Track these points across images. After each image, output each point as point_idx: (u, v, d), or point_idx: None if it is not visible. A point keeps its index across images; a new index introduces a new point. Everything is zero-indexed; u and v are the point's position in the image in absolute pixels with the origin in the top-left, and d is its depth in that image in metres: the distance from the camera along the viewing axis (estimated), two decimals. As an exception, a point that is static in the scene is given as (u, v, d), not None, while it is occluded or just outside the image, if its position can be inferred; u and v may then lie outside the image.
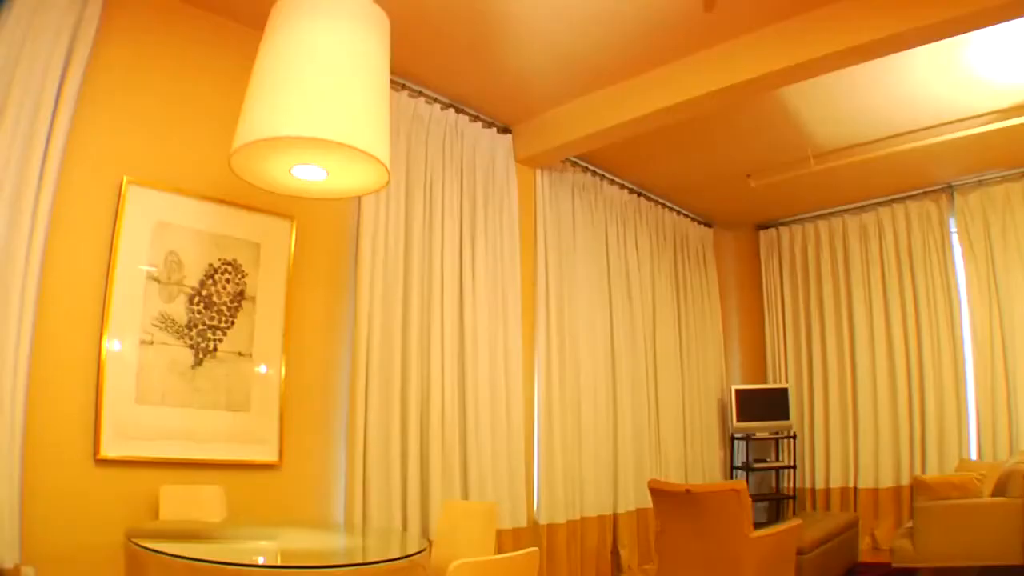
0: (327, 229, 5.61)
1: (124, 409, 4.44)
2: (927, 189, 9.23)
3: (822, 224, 10.10)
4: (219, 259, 4.91)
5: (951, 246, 9.08)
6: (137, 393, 4.49)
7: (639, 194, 8.88)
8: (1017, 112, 7.04)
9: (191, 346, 4.73)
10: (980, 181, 8.83)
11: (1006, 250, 8.65)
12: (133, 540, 3.13)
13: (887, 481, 9.23)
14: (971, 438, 8.81)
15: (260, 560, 3.17)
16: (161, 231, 4.66)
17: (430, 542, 4.98)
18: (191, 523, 4.20)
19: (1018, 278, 8.57)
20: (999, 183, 8.72)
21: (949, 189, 9.08)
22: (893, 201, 9.51)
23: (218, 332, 4.85)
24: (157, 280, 4.62)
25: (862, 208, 9.77)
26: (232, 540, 3.89)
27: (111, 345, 4.42)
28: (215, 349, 4.84)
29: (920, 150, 7.74)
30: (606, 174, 8.33)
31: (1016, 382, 8.49)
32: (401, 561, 3.28)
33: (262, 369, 5.08)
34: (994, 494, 6.07)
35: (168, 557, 2.97)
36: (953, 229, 9.08)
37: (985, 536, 5.95)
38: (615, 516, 7.82)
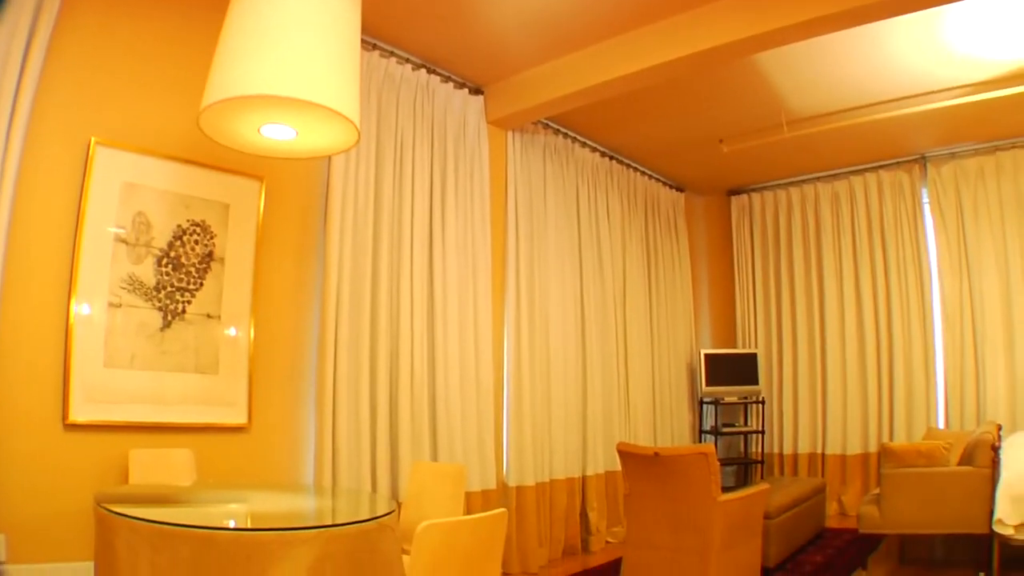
0: (296, 190, 5.56)
1: (92, 373, 4.40)
2: (900, 159, 9.28)
3: (794, 191, 10.14)
4: (188, 220, 4.86)
5: (923, 216, 9.17)
6: (106, 356, 4.46)
7: (611, 157, 8.86)
8: (992, 86, 7.06)
9: (159, 308, 4.68)
10: (953, 153, 8.89)
11: (977, 223, 8.73)
12: (102, 505, 3.11)
13: (855, 448, 9.34)
14: (939, 407, 8.94)
15: (231, 524, 3.14)
16: (129, 192, 4.60)
17: (399, 504, 4.99)
18: (160, 487, 4.18)
19: (988, 251, 8.65)
20: (972, 156, 8.79)
21: (922, 160, 9.12)
22: (866, 170, 9.56)
23: (186, 294, 4.81)
24: (125, 242, 4.56)
25: (834, 176, 9.81)
26: (201, 503, 3.87)
27: (79, 308, 4.38)
28: (183, 311, 4.79)
29: (894, 120, 7.77)
30: (578, 137, 8.29)
31: (985, 353, 8.59)
32: (370, 523, 3.27)
33: (231, 331, 5.04)
34: (961, 463, 6.12)
35: (137, 521, 2.95)
36: (925, 200, 9.16)
37: (951, 504, 6.01)
38: (584, 479, 7.87)
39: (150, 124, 4.77)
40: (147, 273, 4.64)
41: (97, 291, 4.45)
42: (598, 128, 8.23)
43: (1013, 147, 8.56)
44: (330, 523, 3.20)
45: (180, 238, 4.80)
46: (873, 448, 9.25)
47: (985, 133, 8.43)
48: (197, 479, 4.53)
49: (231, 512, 3.79)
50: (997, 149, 8.65)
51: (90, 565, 3.37)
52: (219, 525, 3.09)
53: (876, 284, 9.43)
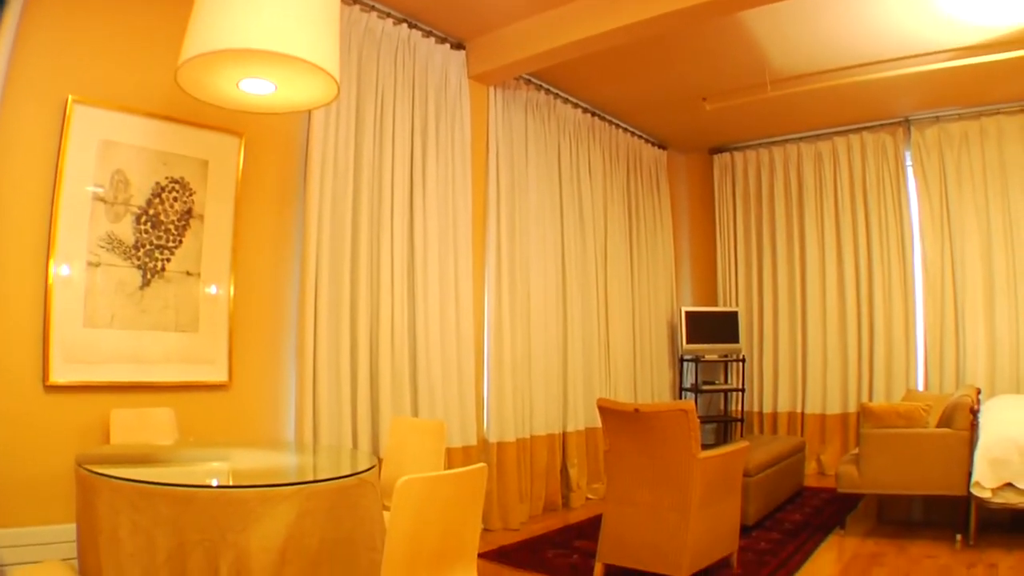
0: (276, 146, 5.52)
1: (72, 333, 4.38)
2: (884, 122, 9.29)
3: (777, 150, 10.13)
4: (166, 177, 4.81)
5: (905, 179, 9.20)
6: (85, 316, 4.44)
7: (593, 114, 8.82)
8: (979, 51, 7.05)
9: (139, 267, 4.65)
10: (938, 117, 8.90)
11: (960, 187, 8.78)
12: (83, 466, 3.10)
13: (834, 407, 9.43)
14: (918, 369, 9.04)
15: (212, 482, 3.14)
16: (107, 150, 4.55)
17: (380, 459, 5.00)
18: (141, 447, 4.17)
19: (970, 215, 8.71)
20: (956, 120, 8.82)
21: (906, 123, 9.14)
22: (849, 131, 9.57)
23: (166, 252, 4.78)
24: (103, 200, 4.52)
25: (818, 136, 9.81)
26: (183, 462, 3.87)
27: (58, 269, 4.35)
28: (163, 269, 4.77)
29: (880, 82, 7.76)
30: (560, 92, 8.23)
31: (965, 316, 8.66)
32: (350, 478, 3.29)
33: (211, 289, 5.02)
34: (939, 425, 6.17)
35: (117, 481, 2.95)
36: (908, 163, 9.18)
37: (929, 466, 6.07)
38: (564, 435, 7.92)
39: (128, 81, 4.71)
40: (126, 231, 4.61)
41: (76, 251, 4.41)
42: (581, 84, 8.17)
43: (998, 113, 8.57)
44: (310, 479, 3.20)
45: (159, 195, 4.76)
46: (852, 408, 9.33)
47: (970, 98, 8.44)
48: (178, 438, 4.53)
49: (212, 470, 3.79)
50: (982, 115, 8.66)
51: (73, 527, 3.37)
52: (199, 483, 3.08)
53: (858, 245, 9.47)
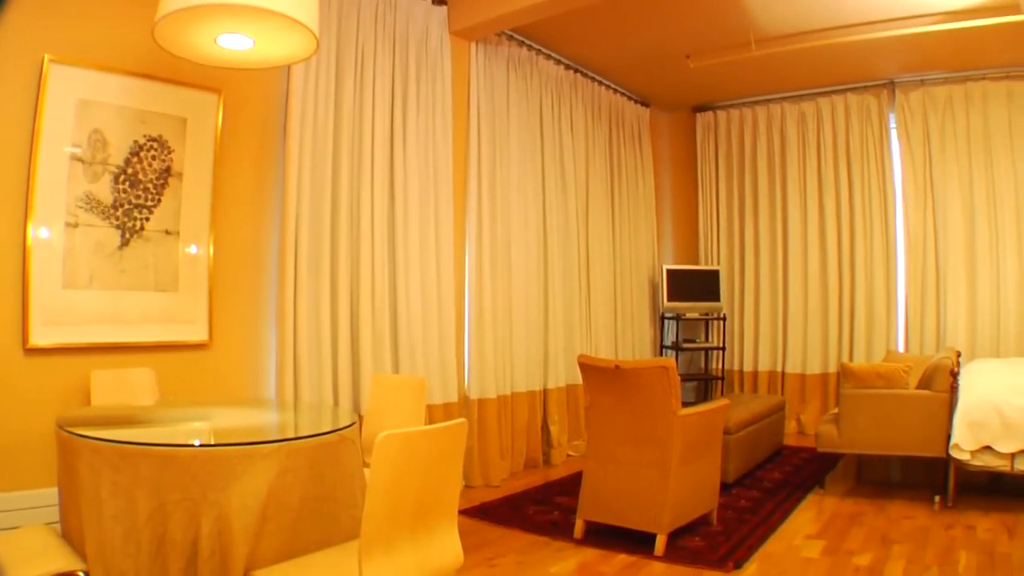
0: (255, 102, 5.46)
1: (51, 295, 4.35)
2: (869, 83, 9.30)
3: (760, 110, 10.13)
4: (144, 136, 4.76)
5: (889, 141, 9.23)
6: (64, 278, 4.40)
7: (576, 70, 8.76)
8: (966, 15, 7.05)
9: (117, 226, 4.61)
10: (923, 80, 8.91)
11: (944, 151, 8.82)
12: (63, 428, 3.10)
13: (815, 367, 9.50)
14: (899, 331, 9.14)
15: (195, 442, 3.14)
16: (84, 109, 4.49)
17: (361, 416, 5.01)
18: (122, 407, 4.17)
19: (953, 179, 8.75)
20: (942, 84, 8.83)
21: (891, 85, 9.14)
22: (834, 92, 9.57)
23: (144, 211, 4.74)
24: (81, 160, 4.47)
25: (801, 96, 9.80)
26: (164, 422, 3.87)
27: (36, 230, 4.30)
28: (142, 228, 4.73)
29: (865, 44, 7.76)
30: (542, 49, 8.17)
31: (946, 279, 8.73)
32: (331, 435, 3.30)
33: (190, 248, 4.99)
34: (919, 387, 6.22)
35: (97, 442, 2.95)
36: (892, 125, 9.19)
37: (908, 427, 6.13)
38: (545, 392, 7.97)
39: (104, 39, 4.64)
40: (104, 191, 4.56)
41: (54, 212, 4.36)
42: (563, 40, 8.11)
43: (983, 78, 8.59)
44: (291, 437, 3.21)
45: (137, 154, 4.72)
46: (833, 368, 9.40)
47: (956, 62, 8.44)
48: (159, 398, 4.52)
49: (193, 429, 3.79)
50: (967, 79, 8.67)
51: (55, 491, 3.38)
52: (180, 443, 3.09)
53: (840, 206, 9.50)
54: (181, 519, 2.86)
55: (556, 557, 5.03)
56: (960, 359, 6.81)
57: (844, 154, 9.50)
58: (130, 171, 4.67)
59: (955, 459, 5.88)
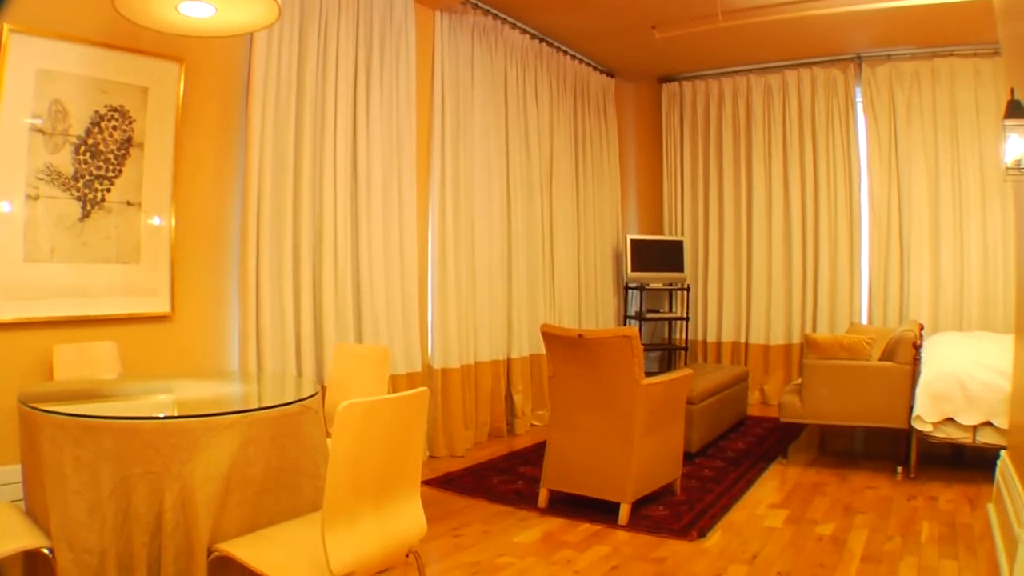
0: (217, 72, 5.40)
1: (12, 269, 4.29)
2: (835, 57, 9.34)
3: (726, 81, 10.14)
4: (105, 106, 4.69)
5: (855, 116, 9.30)
6: (25, 251, 4.33)
7: (541, 40, 8.72)
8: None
9: (78, 198, 4.56)
10: (890, 55, 8.96)
11: (909, 126, 8.89)
12: (25, 403, 3.09)
13: (778, 338, 9.58)
14: (862, 303, 9.25)
15: (158, 414, 3.14)
16: (44, 79, 4.42)
17: (324, 387, 5.01)
18: (85, 382, 4.15)
19: (919, 154, 8.84)
20: (909, 60, 8.89)
21: (858, 59, 9.19)
22: (800, 65, 9.60)
23: (105, 182, 4.68)
24: (42, 131, 4.40)
25: (768, 69, 9.82)
26: (127, 395, 3.86)
27: (-4, 204, 4.26)
28: (103, 200, 4.67)
29: (833, 17, 7.77)
30: (508, 18, 8.13)
31: (910, 253, 8.83)
32: (293, 405, 3.31)
33: (152, 219, 4.95)
34: (882, 359, 6.30)
35: (59, 416, 2.94)
36: (859, 99, 9.23)
37: (871, 398, 6.20)
38: (509, 361, 8.00)
39: (65, 8, 4.54)
40: (65, 162, 4.50)
41: (14, 184, 4.29)
42: (529, 9, 8.06)
43: (951, 55, 8.64)
44: (253, 407, 3.21)
45: (98, 124, 4.66)
46: (796, 339, 9.50)
47: (924, 39, 8.47)
48: (122, 371, 4.50)
49: (156, 402, 3.79)
50: (935, 55, 8.73)
51: (18, 468, 3.35)
52: (142, 415, 3.08)
53: (805, 179, 9.56)
54: (145, 492, 2.87)
55: (520, 527, 5.07)
56: (923, 332, 6.89)
57: (810, 127, 9.55)
58: (91, 142, 4.62)
59: (917, 431, 5.96)
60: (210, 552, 2.88)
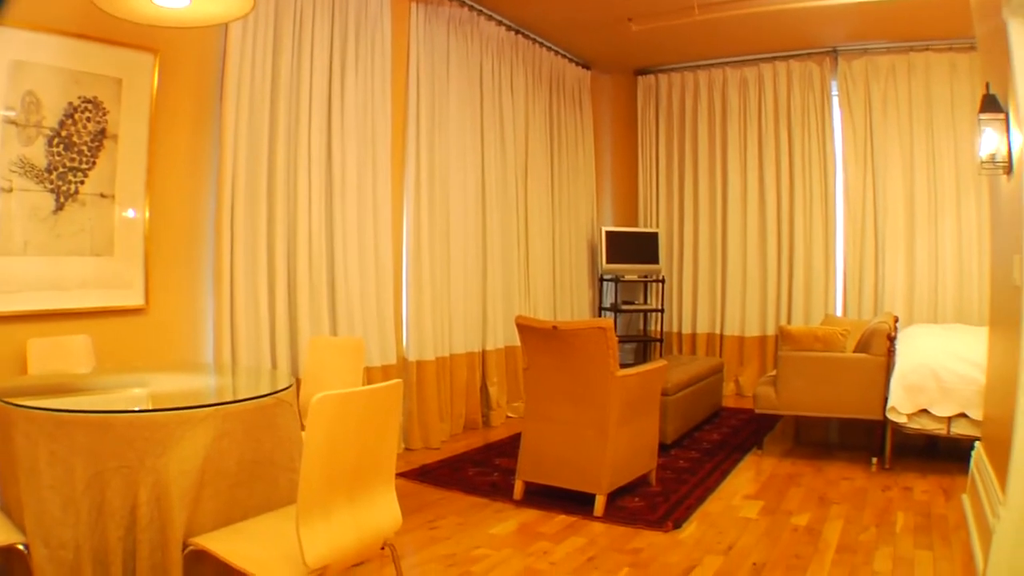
0: (192, 63, 5.36)
1: (-15, 263, 4.27)
2: (812, 51, 9.36)
3: (702, 74, 10.15)
4: (79, 97, 4.66)
5: (831, 109, 9.34)
6: (-2, 244, 4.32)
7: (517, 31, 8.71)
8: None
9: (52, 190, 4.52)
10: (866, 49, 9.00)
11: (885, 119, 8.94)
12: (-2, 398, 3.07)
13: (753, 330, 9.63)
14: (837, 295, 9.30)
15: (132, 409, 3.13)
16: (17, 71, 4.38)
17: (298, 379, 5.00)
18: (59, 375, 4.12)
19: (894, 147, 8.88)
20: (885, 54, 8.93)
21: (834, 53, 9.22)
22: (776, 59, 9.61)
23: (79, 174, 4.64)
24: (15, 123, 4.36)
25: (744, 62, 9.84)
26: (101, 389, 3.85)
27: (-32, 197, 4.22)
28: (76, 192, 4.63)
29: (809, 11, 7.78)
30: (483, 9, 8.10)
31: (885, 245, 8.88)
32: (267, 398, 3.31)
33: (126, 211, 4.92)
34: (857, 350, 6.34)
35: (32, 411, 2.93)
36: (834, 92, 9.27)
37: (846, 389, 6.24)
38: (484, 353, 8.01)
39: (39, -2, 4.56)
40: (38, 154, 4.45)
41: (-14, 177, 4.29)
42: (505, 1, 8.05)
43: (927, 49, 8.69)
44: (227, 400, 3.20)
45: (71, 116, 4.62)
46: (771, 331, 9.54)
47: (900, 33, 8.52)
48: (96, 365, 4.47)
49: (130, 396, 3.77)
50: (911, 50, 8.77)
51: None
52: (116, 409, 3.07)
53: (780, 171, 9.59)
54: (119, 487, 2.86)
55: (496, 518, 5.08)
56: (898, 324, 6.93)
57: (785, 120, 9.58)
58: (64, 133, 4.58)
59: (892, 422, 6.01)
60: (185, 546, 2.87)
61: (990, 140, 4.30)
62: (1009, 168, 4.22)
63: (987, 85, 4.54)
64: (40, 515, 2.82)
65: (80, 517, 2.83)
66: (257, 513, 3.16)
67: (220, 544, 2.82)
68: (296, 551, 2.59)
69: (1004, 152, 4.22)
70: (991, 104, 4.34)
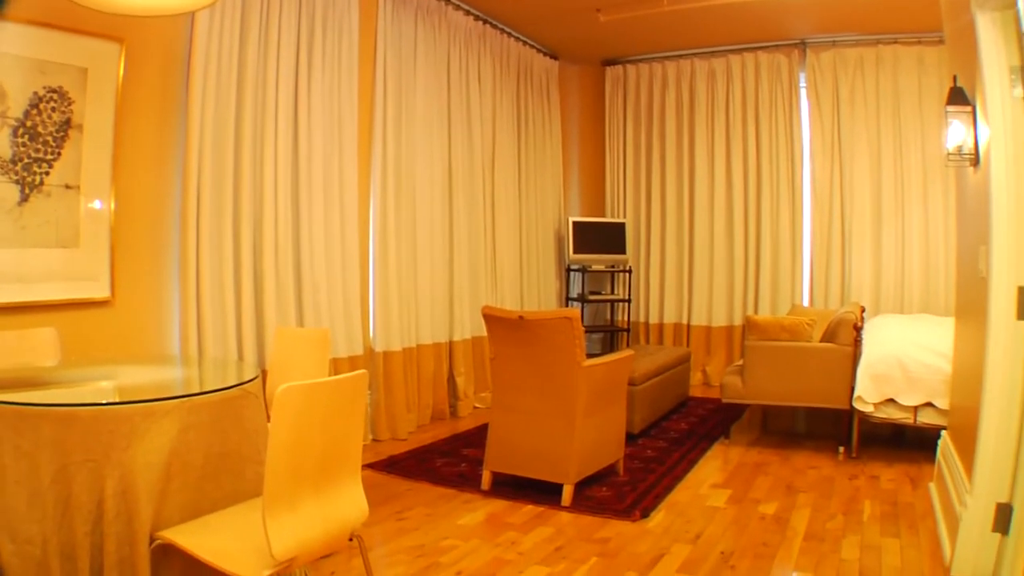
0: (158, 53, 5.31)
1: (-51, 256, 4.23)
2: (780, 42, 9.41)
3: (670, 65, 10.18)
4: (44, 87, 4.61)
5: (798, 100, 9.39)
6: (-38, 236, 4.27)
7: (485, 21, 8.71)
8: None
9: (16, 182, 4.47)
10: (835, 42, 9.06)
11: (852, 111, 9.02)
12: (-41, 392, 3.04)
13: (720, 320, 9.70)
14: (804, 286, 9.37)
15: (97, 401, 3.11)
16: (-19, 60, 4.37)
17: (265, 371, 4.99)
18: (24, 369, 4.08)
19: (861, 139, 8.97)
20: (853, 46, 9.00)
21: (802, 45, 9.28)
22: (744, 50, 9.66)
23: (44, 165, 4.60)
24: (-21, 114, 4.35)
25: (712, 53, 9.88)
26: (67, 382, 3.82)
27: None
28: (41, 183, 4.59)
29: (778, 2, 7.88)
30: (452, -1, 8.11)
31: (852, 236, 8.97)
32: (233, 390, 3.30)
33: (92, 202, 4.88)
34: (823, 340, 6.39)
35: (-1, 405, 2.91)
36: (803, 84, 9.33)
37: (812, 379, 6.29)
38: (451, 344, 8.03)
39: (1, -15, 4.51)
40: (3, 145, 4.39)
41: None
42: (473, -11, 8.03)
43: (895, 42, 8.76)
44: (193, 392, 3.19)
45: (36, 106, 4.57)
46: (738, 321, 9.60)
47: (869, 25, 8.57)
48: (62, 358, 4.44)
49: (96, 389, 3.74)
50: (879, 43, 8.84)
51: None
52: (81, 402, 3.05)
53: (747, 162, 9.65)
54: (85, 481, 2.84)
55: (464, 509, 5.10)
56: (864, 314, 6.99)
57: (753, 112, 9.64)
58: (29, 124, 4.53)
59: (859, 411, 6.06)
60: (152, 540, 2.87)
61: (957, 132, 4.35)
62: (975, 160, 4.27)
63: (954, 78, 4.59)
64: (6, 510, 2.81)
65: (47, 512, 2.81)
66: (224, 506, 3.16)
67: (187, 538, 2.82)
68: (264, 543, 2.59)
69: (971, 144, 4.28)
70: (958, 97, 4.38)
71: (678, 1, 7.84)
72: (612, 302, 10.38)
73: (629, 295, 10.30)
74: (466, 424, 7.59)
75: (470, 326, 8.23)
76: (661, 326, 10.26)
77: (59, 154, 4.69)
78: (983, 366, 3.78)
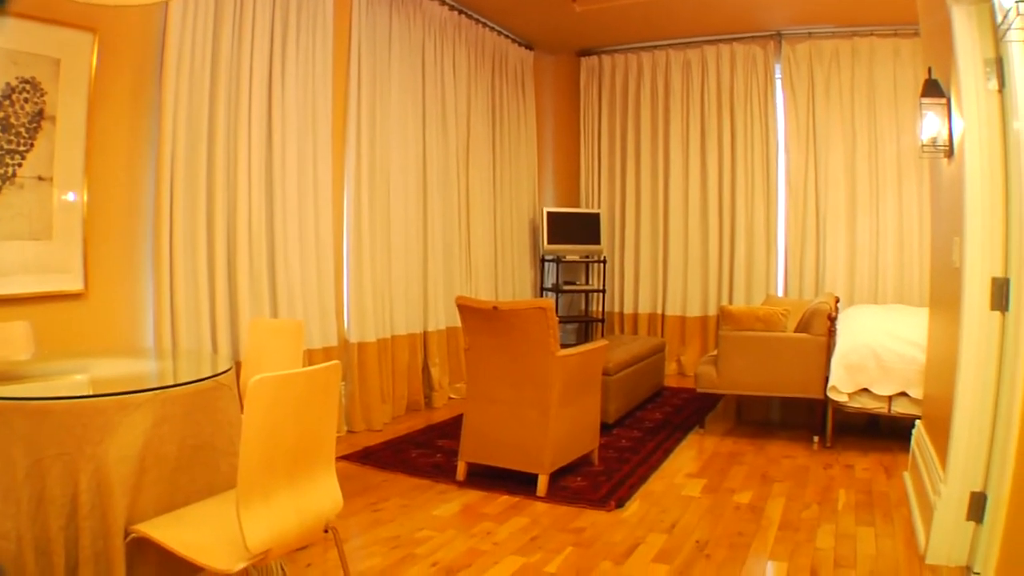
0: (131, 43, 5.27)
1: (-79, 250, 4.19)
2: (756, 34, 9.45)
3: (645, 56, 10.20)
4: (16, 77, 4.57)
5: (774, 92, 9.44)
6: (-67, 230, 4.24)
7: (460, 11, 8.70)
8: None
9: (-12, 173, 4.47)
10: (811, 33, 9.11)
11: (828, 103, 9.07)
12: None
13: (694, 310, 9.75)
14: (779, 276, 9.44)
15: (70, 395, 3.10)
16: (-47, 52, 4.33)
17: (239, 363, 4.98)
18: (-4, 363, 4.06)
19: (836, 131, 9.03)
20: (829, 38, 9.05)
21: (778, 36, 9.32)
22: (720, 41, 9.69)
23: (16, 156, 4.56)
24: (-50, 104, 4.31)
25: (688, 44, 9.90)
26: (41, 376, 3.80)
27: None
28: (14, 175, 4.55)
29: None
30: (427, -12, 8.08)
31: (826, 228, 9.03)
32: (206, 381, 3.30)
33: (65, 194, 4.85)
34: (798, 330, 6.42)
35: (-33, 399, 2.89)
36: (778, 76, 9.36)
37: (787, 369, 6.33)
38: (425, 334, 8.04)
39: (-28, -25, 4.47)
40: (-26, 137, 4.41)
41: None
42: (449, -21, 8.00)
43: (871, 35, 8.81)
44: (166, 384, 3.19)
45: (9, 97, 4.54)
46: (712, 311, 9.65)
47: (844, 17, 8.61)
48: (36, 351, 4.42)
49: (69, 382, 3.73)
50: (855, 35, 8.90)
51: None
52: (53, 395, 3.04)
53: (722, 153, 9.69)
54: (59, 475, 2.83)
55: (440, 499, 5.11)
56: (839, 304, 7.03)
57: (728, 103, 9.68)
58: (2, 115, 4.49)
59: (833, 401, 6.11)
60: (127, 533, 2.86)
61: (931, 124, 4.39)
62: (950, 151, 4.31)
63: (929, 70, 4.62)
64: (-21, 505, 2.80)
65: (21, 507, 2.80)
66: (199, 498, 3.16)
67: (162, 531, 2.81)
68: (238, 536, 2.60)
69: (945, 136, 4.32)
70: (933, 89, 4.42)
71: (653, -9, 7.85)
72: (587, 292, 10.40)
73: (604, 285, 10.33)
74: (441, 415, 7.61)
75: (444, 317, 8.25)
76: (636, 316, 10.30)
77: (32, 145, 4.65)
78: (957, 356, 3.82)
